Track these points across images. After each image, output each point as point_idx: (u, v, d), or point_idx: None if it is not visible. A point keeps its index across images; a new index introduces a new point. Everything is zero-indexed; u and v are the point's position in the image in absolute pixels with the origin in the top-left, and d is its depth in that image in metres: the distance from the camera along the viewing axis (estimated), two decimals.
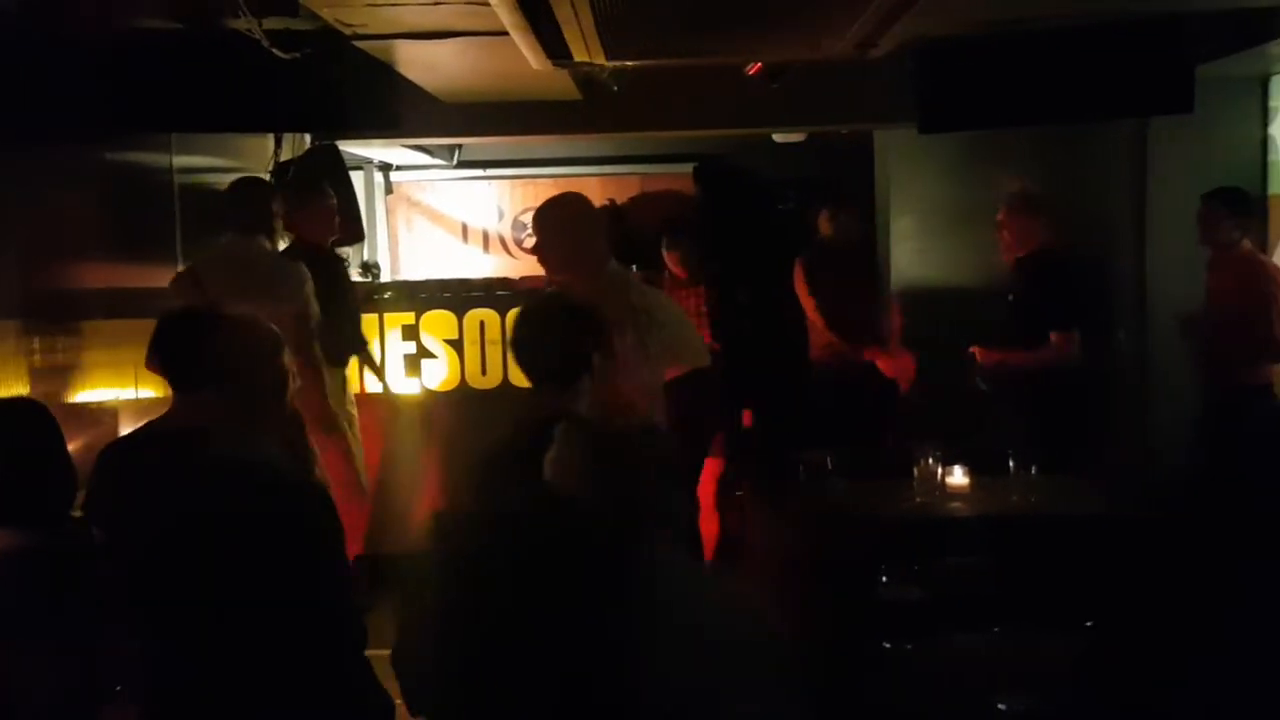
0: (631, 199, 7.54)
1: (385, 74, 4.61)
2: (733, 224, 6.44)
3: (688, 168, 7.42)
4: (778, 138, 6.73)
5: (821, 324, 5.35)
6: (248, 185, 4.51)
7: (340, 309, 4.65)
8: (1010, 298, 4.76)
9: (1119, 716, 1.54)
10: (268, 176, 5.46)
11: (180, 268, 4.49)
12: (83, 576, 2.14)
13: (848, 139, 6.71)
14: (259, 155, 5.54)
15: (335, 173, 5.56)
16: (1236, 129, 4.96)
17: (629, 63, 3.97)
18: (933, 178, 6.00)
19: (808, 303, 5.36)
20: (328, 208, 4.77)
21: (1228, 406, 4.19)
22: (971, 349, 4.73)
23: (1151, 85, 4.19)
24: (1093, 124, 4.99)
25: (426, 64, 4.35)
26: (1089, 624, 1.69)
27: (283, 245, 4.60)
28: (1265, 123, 4.99)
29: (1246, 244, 4.42)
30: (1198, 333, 4.42)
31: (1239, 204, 4.41)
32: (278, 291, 4.03)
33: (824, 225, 5.48)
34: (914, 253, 6.24)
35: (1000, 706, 2.11)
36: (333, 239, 4.89)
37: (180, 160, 4.70)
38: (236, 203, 4.38)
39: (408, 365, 5.21)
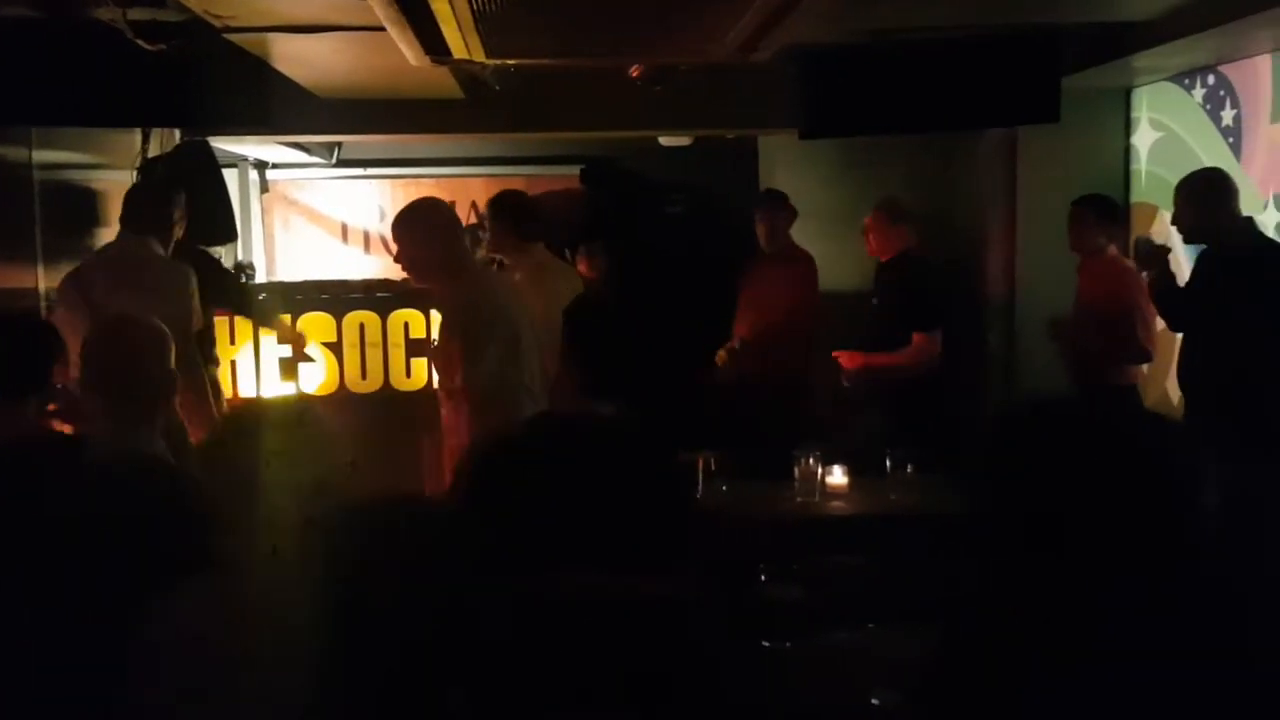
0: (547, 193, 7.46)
1: (258, 68, 4.47)
2: (619, 226, 6.44)
3: (574, 169, 7.42)
4: (664, 141, 6.76)
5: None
6: (144, 187, 4.38)
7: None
8: (875, 301, 4.89)
9: (978, 710, 1.57)
10: (134, 173, 5.27)
11: (40, 266, 4.31)
12: None
13: (733, 144, 6.78)
14: (125, 151, 5.33)
15: (206, 170, 5.39)
16: (1101, 139, 5.16)
17: (510, 62, 3.94)
18: (814, 183, 6.10)
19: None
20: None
21: (1094, 405, 4.35)
22: (834, 354, 4.84)
23: (1020, 96, 4.34)
24: (965, 132, 5.13)
25: (301, 59, 4.24)
26: (949, 619, 1.72)
27: None
28: (1128, 133, 5.20)
29: (1113, 249, 4.60)
30: (1065, 334, 4.58)
31: (1106, 211, 4.59)
32: (162, 293, 3.89)
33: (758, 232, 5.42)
34: None
35: (874, 702, 2.14)
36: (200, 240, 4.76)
37: (41, 155, 4.49)
38: (131, 203, 4.23)
39: (284, 369, 5.06)
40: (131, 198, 4.27)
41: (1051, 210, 4.81)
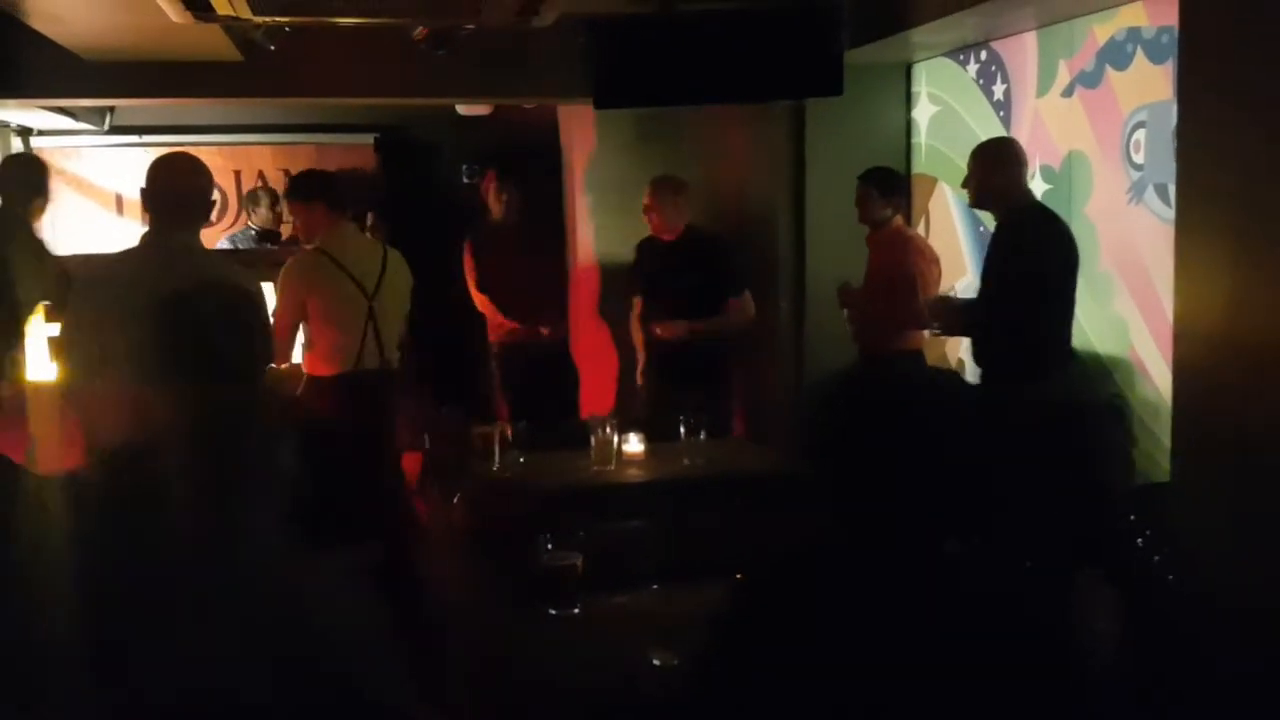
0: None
1: (10, 26, 4.15)
2: (414, 198, 6.31)
3: (367, 138, 7.20)
4: (462, 110, 6.63)
5: (487, 305, 5.40)
6: None
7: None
8: (670, 277, 4.95)
9: (754, 668, 1.59)
10: None
11: None
12: None
13: (533, 114, 6.71)
14: None
15: None
16: (883, 113, 5.33)
17: (282, 20, 3.76)
18: (610, 155, 6.11)
19: (471, 282, 5.39)
20: None
21: (877, 370, 4.53)
22: (655, 327, 4.89)
23: (804, 69, 4.45)
24: (756, 104, 5.22)
25: (54, 15, 3.95)
26: (735, 578, 1.74)
27: None
28: (909, 107, 5.40)
29: (898, 220, 4.77)
30: (853, 302, 4.73)
31: (888, 183, 4.75)
32: None
33: (491, 202, 5.49)
34: (596, 229, 6.35)
35: (655, 662, 2.16)
36: None
37: None
38: None
39: (52, 349, 4.73)
40: None
41: (838, 182, 4.96)
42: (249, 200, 6.31)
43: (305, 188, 4.32)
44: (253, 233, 6.64)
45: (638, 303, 5.18)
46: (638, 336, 5.20)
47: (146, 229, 3.26)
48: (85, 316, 3.05)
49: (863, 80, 5.00)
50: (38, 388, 4.46)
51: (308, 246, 4.32)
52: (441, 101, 6.15)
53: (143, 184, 3.25)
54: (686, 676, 1.93)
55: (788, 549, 1.68)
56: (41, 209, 4.47)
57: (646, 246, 5.17)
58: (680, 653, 2.08)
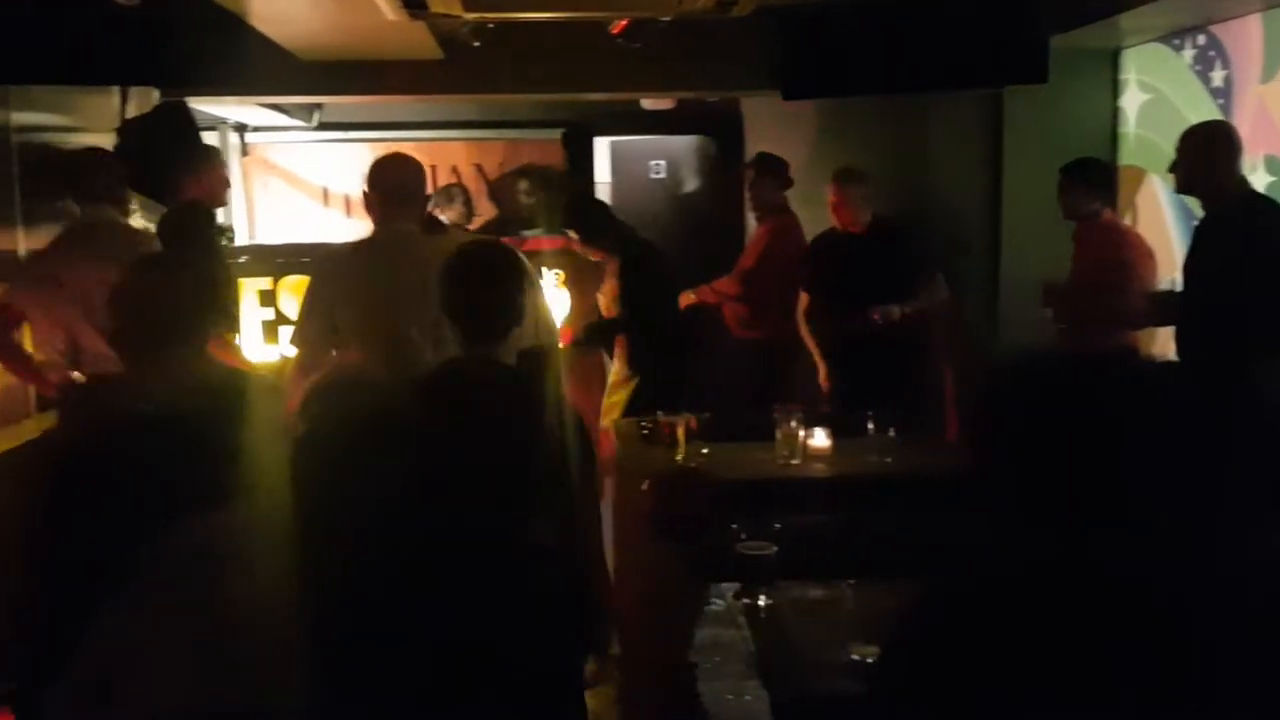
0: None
1: (236, 27, 4.41)
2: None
3: (555, 133, 7.37)
4: (646, 104, 6.70)
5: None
6: (90, 154, 4.23)
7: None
8: (859, 270, 4.85)
9: (957, 670, 1.55)
10: (113, 135, 5.20)
11: (20, 229, 4.24)
12: None
13: (717, 106, 6.73)
14: (103, 113, 5.26)
15: (185, 132, 5.32)
16: (1088, 101, 5.10)
17: (488, 15, 3.88)
18: (795, 148, 6.06)
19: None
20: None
21: (1093, 364, 4.33)
22: (871, 313, 4.79)
23: (1007, 56, 4.29)
24: (949, 94, 5.08)
25: (278, 17, 4.18)
26: (924, 578, 1.70)
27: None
28: (1116, 95, 5.16)
29: (1109, 213, 4.55)
30: (1058, 300, 4.53)
31: (1095, 175, 4.54)
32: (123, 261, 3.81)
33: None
34: None
35: (853, 657, 2.14)
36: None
37: (19, 118, 4.43)
38: (80, 173, 4.13)
39: (266, 332, 5.03)
40: (78, 166, 4.12)
41: (1037, 174, 4.77)
42: (442, 196, 6.57)
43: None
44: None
45: (805, 298, 5.12)
46: (805, 332, 5.13)
47: (374, 223, 3.42)
48: (326, 296, 3.30)
49: (1067, 67, 4.80)
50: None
51: None
52: (630, 96, 6.23)
53: (365, 183, 3.41)
54: (888, 672, 1.91)
55: (997, 549, 1.63)
56: (223, 199, 4.63)
57: (828, 240, 5.08)
58: (881, 648, 2.05)
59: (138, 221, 5.51)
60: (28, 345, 3.85)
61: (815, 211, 5.32)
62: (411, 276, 3.04)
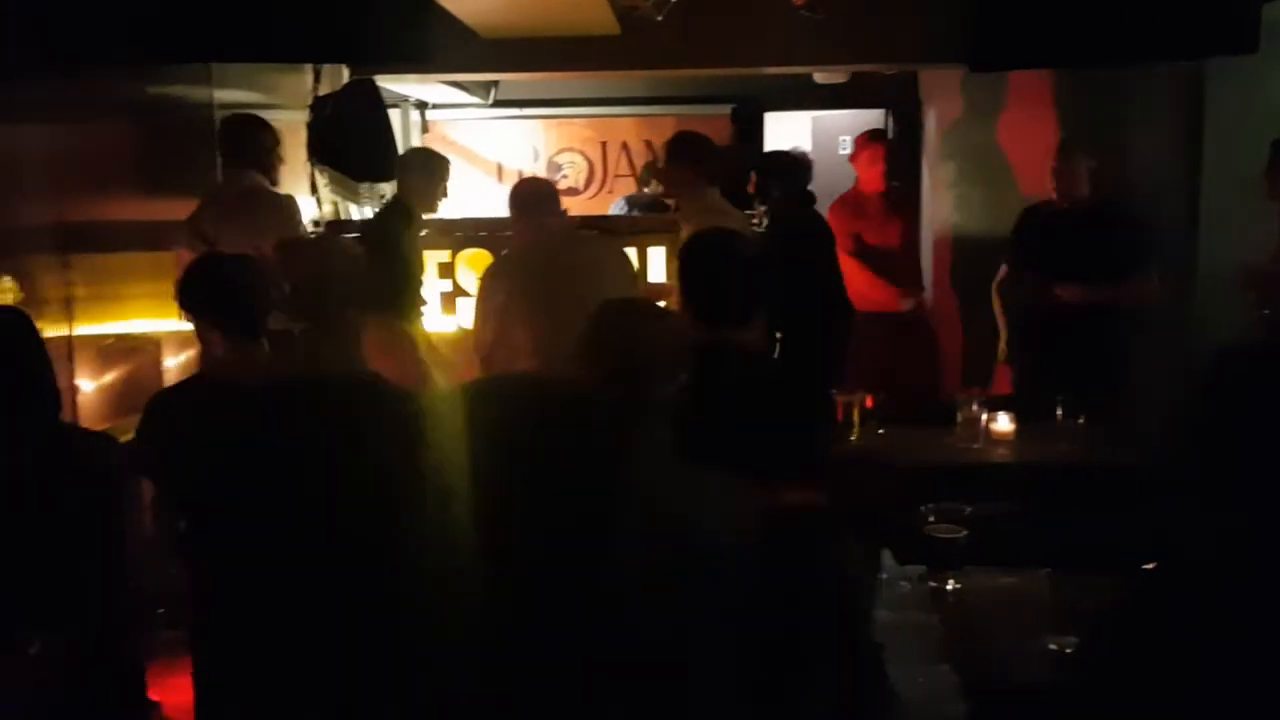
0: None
1: (423, 6, 4.52)
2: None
3: (724, 109, 7.34)
4: (819, 79, 6.59)
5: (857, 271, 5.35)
6: (238, 121, 4.39)
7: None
8: (1068, 245, 4.63)
9: (1164, 662, 1.50)
10: (307, 112, 5.43)
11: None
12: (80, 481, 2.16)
13: (892, 79, 6.57)
14: (298, 90, 5.50)
15: (373, 109, 5.52)
16: None
17: None
18: (975, 121, 5.87)
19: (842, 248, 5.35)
20: None
21: None
22: (1056, 290, 4.60)
23: (1213, 25, 4.03)
24: (1147, 66, 4.83)
25: None
26: (1145, 568, 1.64)
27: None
28: None
29: None
30: (1260, 285, 4.27)
31: None
32: (266, 225, 3.92)
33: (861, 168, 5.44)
34: (955, 199, 6.14)
35: (1050, 646, 2.08)
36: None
37: (221, 95, 4.66)
38: (228, 137, 4.32)
39: (444, 303, 5.18)
40: (228, 132, 4.33)
41: (1242, 149, 4.49)
42: (647, 172, 6.89)
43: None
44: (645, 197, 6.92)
45: (1004, 269, 4.93)
46: (998, 304, 4.94)
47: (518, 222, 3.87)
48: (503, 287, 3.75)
49: (1277, 37, 4.50)
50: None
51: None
52: (804, 70, 6.14)
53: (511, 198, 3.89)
54: (1085, 663, 1.85)
55: (1203, 543, 1.56)
56: (433, 206, 4.77)
57: (1038, 212, 4.85)
58: (1080, 639, 1.99)
59: (326, 195, 5.78)
60: None
61: (988, 191, 5.16)
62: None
